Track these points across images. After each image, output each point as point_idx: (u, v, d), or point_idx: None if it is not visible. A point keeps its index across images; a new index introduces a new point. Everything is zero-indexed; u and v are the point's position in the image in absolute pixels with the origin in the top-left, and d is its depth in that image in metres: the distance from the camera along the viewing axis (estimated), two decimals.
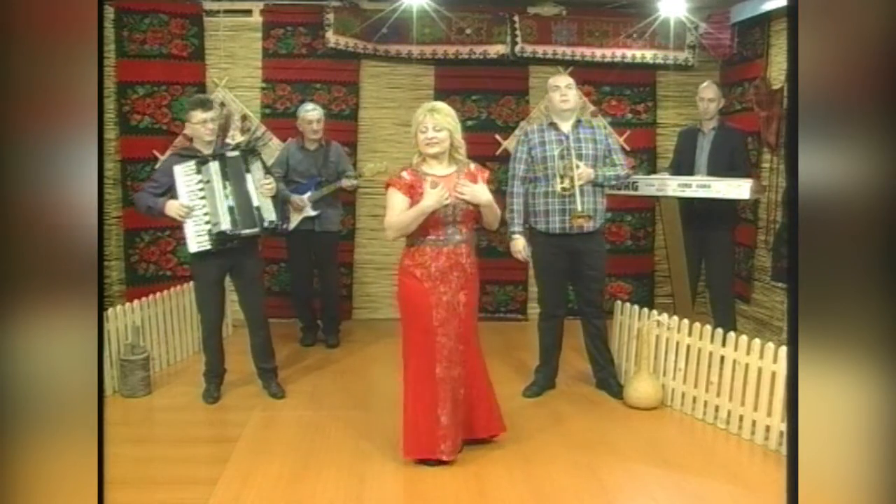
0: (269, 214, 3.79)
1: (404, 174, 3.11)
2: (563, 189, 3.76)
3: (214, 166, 3.73)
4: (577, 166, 3.75)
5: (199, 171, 3.73)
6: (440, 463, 3.15)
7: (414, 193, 3.06)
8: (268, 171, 3.89)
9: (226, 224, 3.70)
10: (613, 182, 3.91)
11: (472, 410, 3.29)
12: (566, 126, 3.87)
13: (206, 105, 3.80)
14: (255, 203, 3.74)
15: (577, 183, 3.74)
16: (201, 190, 3.73)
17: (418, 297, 3.10)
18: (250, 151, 3.88)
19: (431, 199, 3.00)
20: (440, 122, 3.06)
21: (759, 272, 5.17)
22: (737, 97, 5.39)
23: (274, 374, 4.10)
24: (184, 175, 3.73)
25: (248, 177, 3.76)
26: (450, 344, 3.11)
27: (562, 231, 3.83)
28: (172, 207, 3.71)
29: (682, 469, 3.20)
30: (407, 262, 3.15)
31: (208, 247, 3.73)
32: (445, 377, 3.11)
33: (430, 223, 3.07)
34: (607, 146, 3.91)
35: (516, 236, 3.91)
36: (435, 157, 3.11)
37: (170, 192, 3.75)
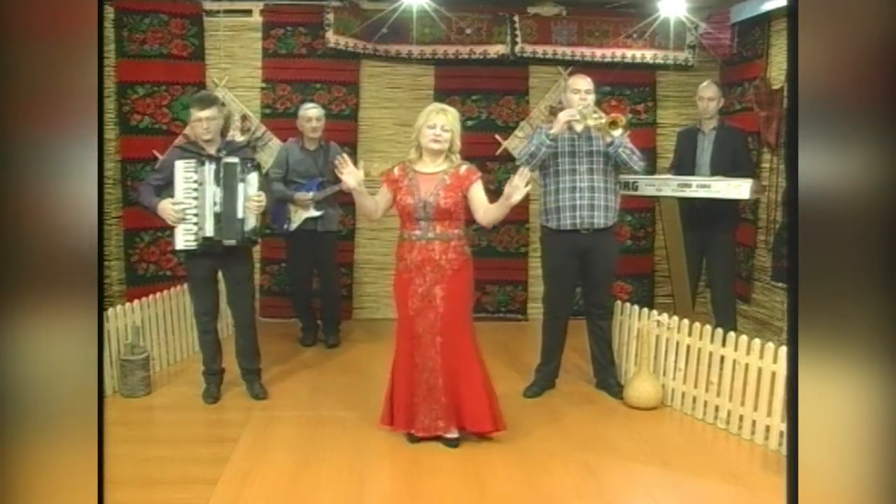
0: (251, 228, 3.73)
1: (395, 169, 3.34)
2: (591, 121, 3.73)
3: (210, 169, 3.69)
4: (596, 111, 3.76)
5: (195, 171, 3.71)
6: (416, 441, 3.37)
7: (397, 188, 3.27)
8: (263, 186, 3.78)
9: (209, 230, 3.69)
10: (628, 153, 3.77)
11: (462, 403, 3.33)
12: (579, 126, 3.83)
13: (203, 103, 3.76)
14: (240, 215, 3.69)
15: (600, 121, 3.71)
16: (194, 190, 3.71)
17: (399, 286, 3.36)
18: (250, 160, 3.81)
19: (347, 178, 3.26)
20: (449, 122, 3.24)
21: (759, 272, 5.17)
22: (737, 97, 5.39)
23: (257, 376, 4.09)
24: (183, 171, 3.72)
25: (241, 186, 3.69)
26: (425, 335, 3.28)
27: (572, 227, 3.83)
28: (165, 210, 3.69)
29: (682, 469, 3.20)
30: (395, 253, 3.40)
31: (194, 247, 3.73)
32: (420, 364, 3.31)
33: (405, 219, 3.29)
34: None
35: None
36: (436, 153, 3.24)
37: (170, 185, 3.73)
